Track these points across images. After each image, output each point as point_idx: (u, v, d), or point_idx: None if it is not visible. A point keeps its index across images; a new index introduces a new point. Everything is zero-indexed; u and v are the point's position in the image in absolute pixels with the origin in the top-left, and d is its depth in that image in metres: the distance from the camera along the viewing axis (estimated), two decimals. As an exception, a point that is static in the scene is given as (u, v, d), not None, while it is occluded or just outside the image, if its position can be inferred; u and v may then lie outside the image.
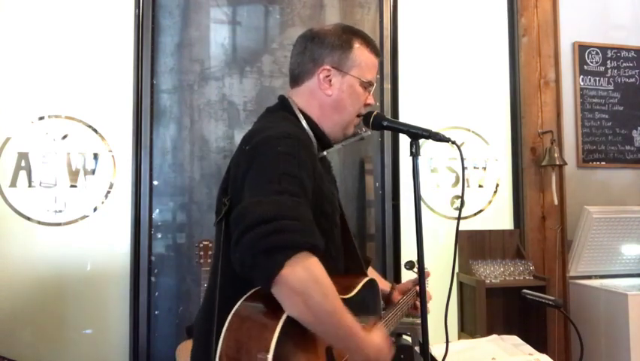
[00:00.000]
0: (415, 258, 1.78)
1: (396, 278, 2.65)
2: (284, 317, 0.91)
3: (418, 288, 1.53)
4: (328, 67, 1.19)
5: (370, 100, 1.26)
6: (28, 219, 2.43)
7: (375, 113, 1.25)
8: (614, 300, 2.58)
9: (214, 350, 0.94)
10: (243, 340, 0.91)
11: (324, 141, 1.22)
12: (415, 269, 1.72)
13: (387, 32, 2.82)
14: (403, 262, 2.01)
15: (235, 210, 0.96)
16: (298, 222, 0.91)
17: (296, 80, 1.24)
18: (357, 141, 1.33)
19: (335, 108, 1.21)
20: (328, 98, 1.20)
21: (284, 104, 1.23)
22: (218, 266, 1.10)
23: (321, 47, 1.20)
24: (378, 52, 1.27)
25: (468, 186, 2.91)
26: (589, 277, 2.88)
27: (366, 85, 1.23)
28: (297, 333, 0.93)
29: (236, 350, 0.90)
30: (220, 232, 1.11)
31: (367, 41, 1.24)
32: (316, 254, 0.92)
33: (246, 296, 0.97)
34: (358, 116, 1.25)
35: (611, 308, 2.61)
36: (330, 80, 1.20)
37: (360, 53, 1.21)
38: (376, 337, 1.06)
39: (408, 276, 1.65)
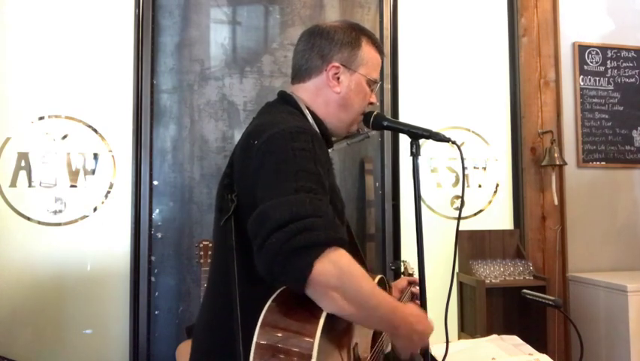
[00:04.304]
0: (409, 258, 1.78)
1: (396, 278, 2.65)
2: (322, 321, 0.87)
3: (413, 289, 1.54)
4: (337, 64, 1.17)
5: (373, 99, 1.25)
6: (28, 219, 2.43)
7: (375, 113, 1.24)
8: (614, 299, 2.59)
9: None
10: (279, 350, 0.86)
11: (328, 139, 1.20)
12: (402, 269, 1.72)
13: (387, 32, 2.82)
14: (403, 262, 2.01)
15: (254, 212, 0.91)
16: (321, 219, 0.88)
17: (302, 76, 1.21)
18: (360, 141, 1.33)
19: (342, 106, 1.19)
20: (336, 96, 1.18)
21: (285, 100, 1.20)
22: (232, 268, 1.02)
23: (331, 43, 1.18)
24: (382, 51, 1.26)
25: (468, 186, 2.91)
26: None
27: (371, 83, 1.22)
28: (332, 334, 0.90)
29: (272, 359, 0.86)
30: (230, 231, 1.04)
31: (374, 40, 1.23)
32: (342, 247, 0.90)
33: (272, 299, 0.92)
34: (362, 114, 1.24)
35: (611, 307, 2.61)
36: (339, 78, 1.18)
37: (368, 51, 1.20)
38: (413, 307, 1.05)
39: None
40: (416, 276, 1.53)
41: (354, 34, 1.20)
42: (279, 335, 0.87)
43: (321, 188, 0.95)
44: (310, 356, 0.83)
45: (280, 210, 0.87)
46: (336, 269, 0.86)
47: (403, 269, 1.77)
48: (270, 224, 0.86)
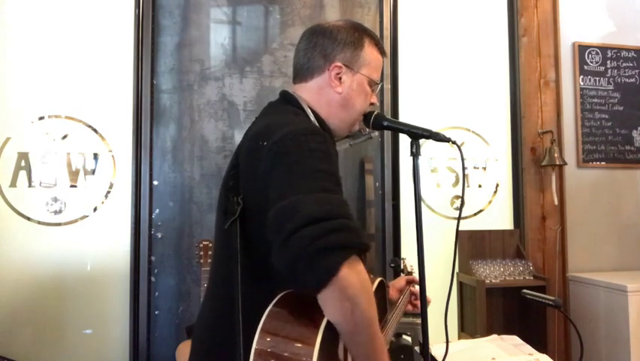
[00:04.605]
0: (409, 258, 1.78)
1: (396, 276, 2.66)
2: (322, 329, 0.86)
3: (412, 288, 1.54)
4: (340, 64, 1.16)
5: (374, 99, 1.24)
6: (28, 219, 2.43)
7: (375, 113, 1.24)
8: (614, 299, 2.59)
9: None
10: (278, 357, 0.85)
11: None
12: (401, 267, 1.72)
13: (387, 32, 2.82)
14: (403, 262, 2.01)
15: (278, 206, 0.87)
16: (350, 221, 0.87)
17: (304, 75, 1.20)
18: (363, 142, 1.32)
19: (344, 106, 1.18)
20: (338, 96, 1.17)
21: (288, 100, 1.19)
22: (235, 270, 0.99)
23: (333, 42, 1.17)
24: (384, 52, 1.25)
25: (468, 186, 2.91)
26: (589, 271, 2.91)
27: (372, 84, 1.21)
28: (331, 344, 0.90)
29: None
30: (235, 234, 1.01)
31: (376, 40, 1.23)
32: (361, 256, 0.88)
33: (272, 304, 0.91)
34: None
35: (611, 307, 2.61)
36: (340, 78, 1.17)
37: (370, 52, 1.20)
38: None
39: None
40: (415, 274, 1.53)
41: (357, 34, 1.19)
42: (279, 342, 0.86)
43: (340, 190, 0.94)
44: None
45: (311, 206, 0.85)
46: (358, 280, 0.85)
47: (402, 267, 1.77)
48: (300, 218, 0.83)
